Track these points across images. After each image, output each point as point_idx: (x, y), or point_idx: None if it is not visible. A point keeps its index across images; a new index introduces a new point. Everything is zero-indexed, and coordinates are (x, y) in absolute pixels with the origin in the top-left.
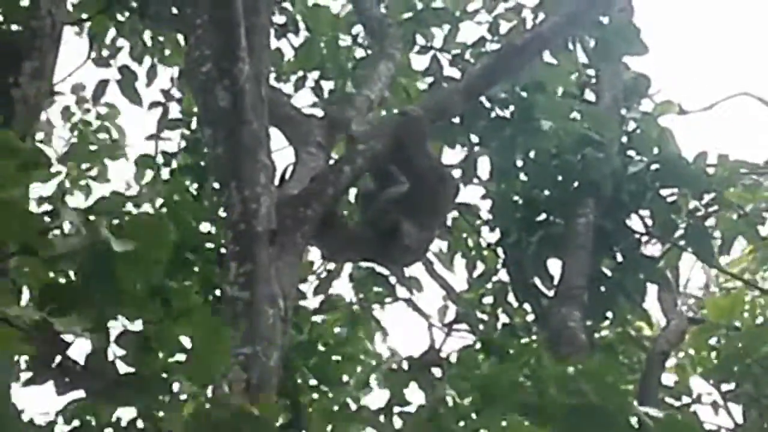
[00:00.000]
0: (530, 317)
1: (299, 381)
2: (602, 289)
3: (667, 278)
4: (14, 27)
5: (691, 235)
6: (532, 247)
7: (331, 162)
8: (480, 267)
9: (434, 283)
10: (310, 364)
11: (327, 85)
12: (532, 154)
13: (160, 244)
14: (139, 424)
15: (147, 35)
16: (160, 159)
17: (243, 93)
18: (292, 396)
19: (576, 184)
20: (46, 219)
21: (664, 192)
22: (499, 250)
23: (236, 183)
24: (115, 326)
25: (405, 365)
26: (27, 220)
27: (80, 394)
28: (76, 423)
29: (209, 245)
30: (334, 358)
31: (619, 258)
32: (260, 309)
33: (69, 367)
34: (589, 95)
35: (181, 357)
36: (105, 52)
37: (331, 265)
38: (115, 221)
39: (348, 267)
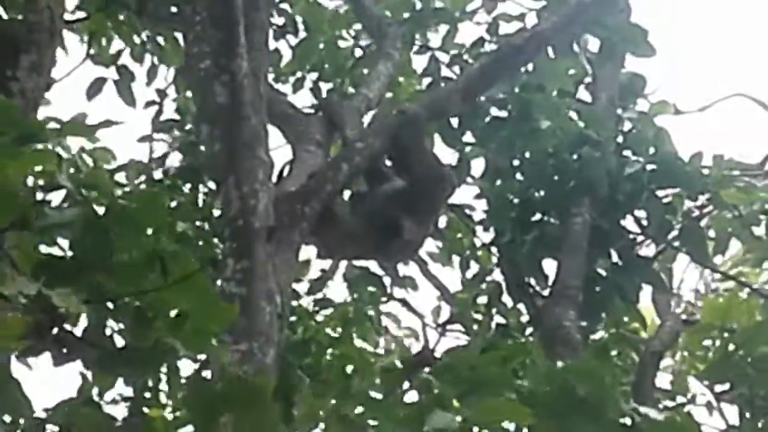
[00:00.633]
0: (525, 317)
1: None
2: (597, 289)
3: (662, 279)
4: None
5: (686, 236)
6: (527, 246)
7: (329, 159)
8: (474, 267)
9: (428, 283)
10: (304, 363)
11: (325, 87)
12: (527, 154)
13: (154, 213)
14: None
15: (146, 34)
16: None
17: (241, 89)
18: (286, 395)
19: (572, 183)
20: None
21: (659, 192)
22: (494, 250)
23: (234, 179)
24: (112, 299)
25: (399, 365)
26: (19, 194)
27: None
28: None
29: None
30: (327, 358)
31: (615, 258)
32: (257, 305)
33: (66, 338)
34: (585, 95)
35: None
36: (107, 55)
37: (326, 265)
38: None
39: (342, 267)
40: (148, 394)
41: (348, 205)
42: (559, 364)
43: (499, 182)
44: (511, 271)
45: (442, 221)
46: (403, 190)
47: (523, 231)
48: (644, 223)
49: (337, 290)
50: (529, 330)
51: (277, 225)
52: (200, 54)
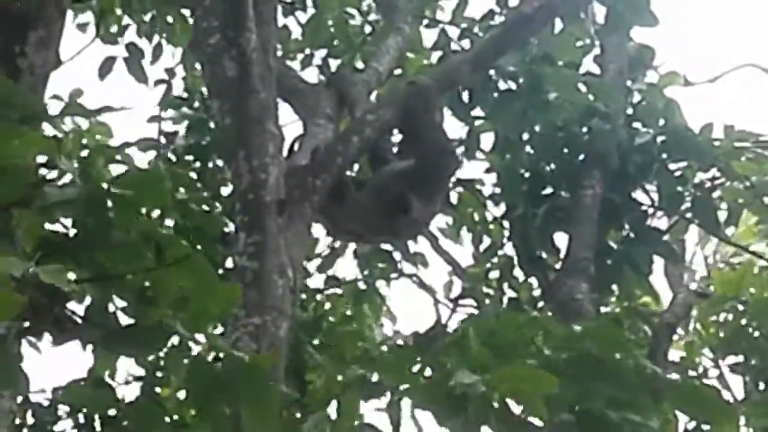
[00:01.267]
0: (537, 291)
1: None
2: (609, 262)
3: (674, 251)
4: None
5: (698, 208)
6: (538, 220)
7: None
8: (486, 241)
9: (439, 259)
10: (315, 341)
11: (334, 64)
12: (537, 127)
13: (156, 193)
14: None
15: (153, 13)
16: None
17: (251, 63)
18: (298, 373)
19: (582, 156)
20: (43, 169)
21: (670, 164)
22: (505, 224)
23: (244, 153)
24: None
25: (411, 341)
26: (22, 173)
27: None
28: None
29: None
30: (338, 335)
31: (626, 231)
32: (269, 279)
33: (65, 318)
34: (594, 67)
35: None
36: (113, 29)
37: (336, 243)
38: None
39: (352, 243)
40: (160, 374)
41: (354, 185)
42: (577, 328)
43: (508, 156)
44: (522, 245)
45: (453, 196)
46: (409, 168)
47: (534, 204)
48: (655, 195)
49: (348, 267)
50: (541, 303)
51: (288, 198)
52: (209, 29)
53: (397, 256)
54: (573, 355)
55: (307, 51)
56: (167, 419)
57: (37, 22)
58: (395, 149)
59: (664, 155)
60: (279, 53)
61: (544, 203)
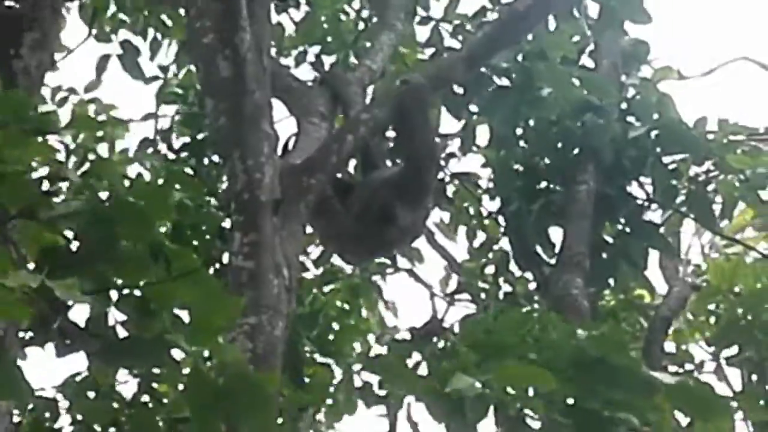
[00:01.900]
0: (532, 285)
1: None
2: (604, 256)
3: (669, 244)
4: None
5: (693, 201)
6: (533, 215)
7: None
8: (481, 236)
9: (435, 254)
10: (312, 335)
11: (328, 61)
12: (531, 122)
13: (161, 206)
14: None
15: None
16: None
17: (245, 63)
18: (295, 367)
19: (576, 151)
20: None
21: (664, 158)
22: (500, 219)
23: (239, 153)
24: (116, 290)
25: (407, 336)
26: (27, 184)
27: (80, 356)
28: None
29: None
30: (335, 329)
31: (621, 225)
32: (265, 278)
33: (69, 329)
34: (588, 62)
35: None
36: (107, 27)
37: None
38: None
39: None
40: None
41: (341, 193)
42: (579, 331)
43: (503, 151)
44: (517, 240)
45: (449, 191)
46: (395, 174)
47: (529, 199)
48: (650, 189)
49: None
50: (536, 298)
51: (283, 198)
52: (202, 28)
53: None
54: (571, 356)
55: (301, 48)
56: (165, 416)
57: (32, 23)
58: (388, 149)
59: (659, 149)
60: (272, 51)
61: (538, 198)
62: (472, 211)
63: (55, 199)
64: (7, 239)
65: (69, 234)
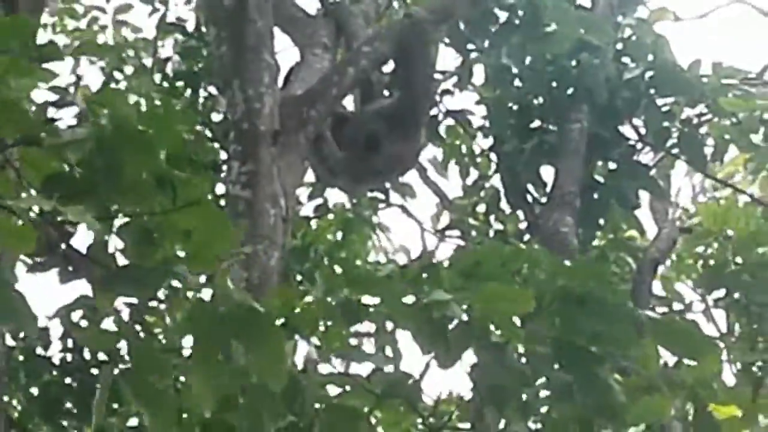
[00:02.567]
0: (523, 224)
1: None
2: (595, 196)
3: (660, 186)
4: None
5: (684, 143)
6: (526, 153)
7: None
8: (473, 174)
9: (428, 190)
10: (303, 269)
11: None
12: (527, 60)
13: (167, 133)
14: None
15: None
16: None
17: None
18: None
19: (570, 90)
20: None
21: (657, 100)
22: (493, 157)
23: (239, 82)
24: (120, 217)
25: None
26: (26, 112)
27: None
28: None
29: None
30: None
31: (612, 165)
32: (262, 208)
33: (72, 256)
34: (585, 1)
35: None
36: None
37: None
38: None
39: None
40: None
41: (338, 124)
42: (563, 263)
43: (498, 90)
44: (509, 178)
45: (442, 128)
46: (388, 106)
47: (522, 138)
48: (642, 130)
49: (337, 196)
50: (526, 236)
51: (282, 128)
52: None
53: (386, 185)
54: (557, 290)
55: None
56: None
57: None
58: (387, 82)
59: (652, 91)
60: None
61: (531, 137)
62: (464, 148)
63: (60, 125)
64: (10, 165)
65: (73, 161)
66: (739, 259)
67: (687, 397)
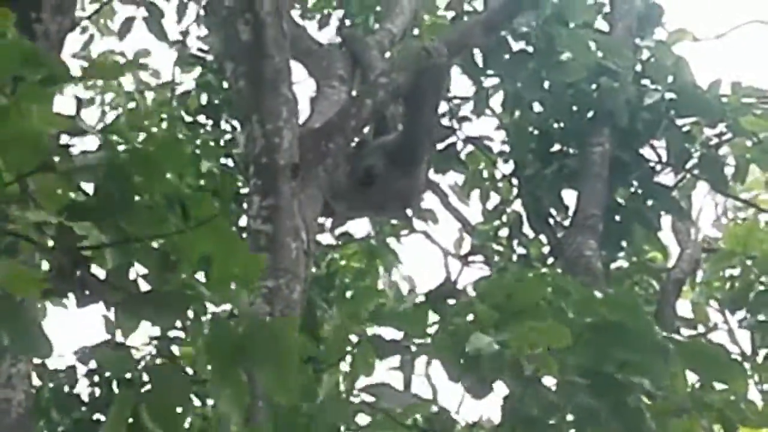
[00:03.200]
0: (546, 248)
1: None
2: (617, 218)
3: (682, 207)
4: None
5: (705, 164)
6: (547, 177)
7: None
8: (494, 199)
9: (450, 216)
10: (328, 297)
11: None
12: (546, 85)
13: (175, 155)
14: None
15: None
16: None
17: (265, 27)
18: (312, 331)
19: (591, 113)
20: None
21: (678, 121)
22: (514, 181)
23: (258, 117)
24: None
25: (421, 298)
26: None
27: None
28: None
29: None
30: (351, 291)
31: (634, 187)
32: (283, 242)
33: (89, 280)
34: (602, 24)
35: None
36: None
37: None
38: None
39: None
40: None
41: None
42: (596, 293)
43: (517, 114)
44: (531, 202)
45: (463, 154)
46: (389, 142)
47: (543, 162)
48: (663, 152)
49: (360, 224)
50: (550, 260)
51: (301, 162)
52: None
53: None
54: (590, 321)
55: (325, 11)
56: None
57: None
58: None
59: (673, 112)
60: (297, 13)
61: (553, 161)
62: (485, 173)
63: (73, 152)
64: (30, 197)
65: (88, 188)
66: (763, 278)
67: (716, 419)
